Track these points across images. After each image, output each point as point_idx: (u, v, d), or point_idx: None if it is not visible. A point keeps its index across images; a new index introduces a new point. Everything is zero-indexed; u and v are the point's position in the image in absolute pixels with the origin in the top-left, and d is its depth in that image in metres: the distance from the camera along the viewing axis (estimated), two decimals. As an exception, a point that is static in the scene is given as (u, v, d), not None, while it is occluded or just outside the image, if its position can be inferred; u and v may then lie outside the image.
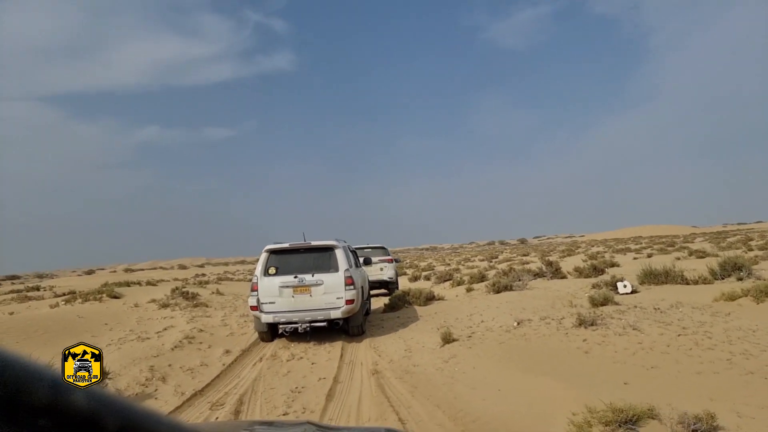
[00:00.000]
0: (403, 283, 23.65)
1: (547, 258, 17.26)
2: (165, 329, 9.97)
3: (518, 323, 7.91)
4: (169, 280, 37.65)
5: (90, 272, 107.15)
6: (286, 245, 8.95)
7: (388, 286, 15.48)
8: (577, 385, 4.76)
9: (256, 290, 8.66)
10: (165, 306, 12.95)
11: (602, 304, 8.68)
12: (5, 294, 25.32)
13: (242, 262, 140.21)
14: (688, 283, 10.87)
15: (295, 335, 9.08)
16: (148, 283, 26.84)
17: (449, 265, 39.25)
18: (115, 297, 14.63)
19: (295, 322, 8.45)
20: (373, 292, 15.23)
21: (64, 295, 18.11)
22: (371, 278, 13.24)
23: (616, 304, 8.75)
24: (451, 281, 15.61)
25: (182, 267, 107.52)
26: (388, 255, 16.07)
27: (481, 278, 14.49)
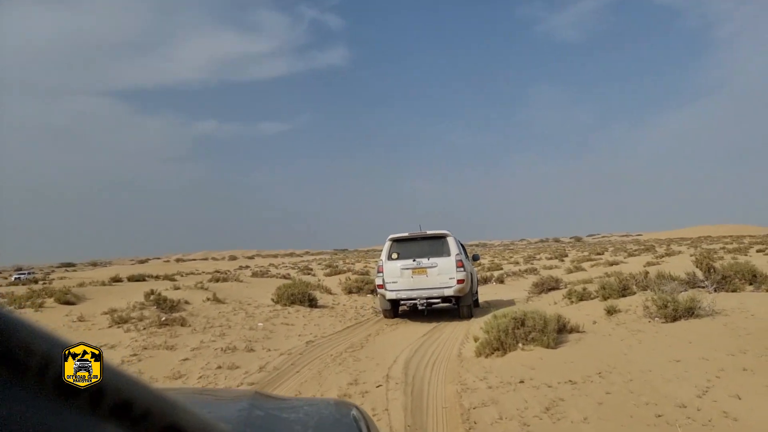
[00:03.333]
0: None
1: (704, 259, 11.51)
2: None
3: None
4: (200, 273, 33.87)
5: (144, 261, 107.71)
6: (406, 234, 10.12)
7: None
8: None
9: (382, 272, 9.86)
10: (121, 322, 8.23)
11: None
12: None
13: (291, 255, 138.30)
14: None
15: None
16: (167, 278, 22.80)
17: (518, 263, 33.34)
18: (69, 303, 10.10)
19: (414, 299, 9.66)
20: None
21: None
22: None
23: None
24: (565, 293, 10.10)
25: (233, 258, 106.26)
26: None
27: (622, 290, 8.94)
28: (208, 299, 10.61)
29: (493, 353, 6.07)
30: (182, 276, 29.12)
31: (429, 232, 10.10)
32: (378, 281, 9.95)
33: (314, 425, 1.23)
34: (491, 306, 13.12)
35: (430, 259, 9.68)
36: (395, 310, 10.26)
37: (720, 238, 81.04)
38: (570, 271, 24.13)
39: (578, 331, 6.91)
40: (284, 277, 23.75)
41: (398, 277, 9.67)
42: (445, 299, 9.74)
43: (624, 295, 8.91)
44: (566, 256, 42.74)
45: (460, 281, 9.48)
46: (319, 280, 20.19)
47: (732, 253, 27.62)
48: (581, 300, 9.42)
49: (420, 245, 9.94)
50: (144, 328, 7.85)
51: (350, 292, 13.15)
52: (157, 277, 22.44)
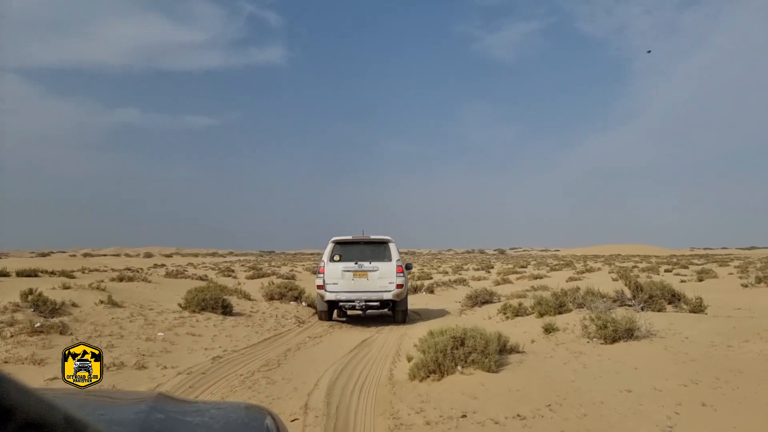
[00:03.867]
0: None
1: (629, 277, 11.57)
2: None
3: None
4: (106, 270, 31.02)
5: (45, 254, 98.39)
6: (349, 238, 10.36)
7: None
8: None
9: (323, 273, 9.93)
10: (-16, 327, 6.73)
11: None
12: None
13: (213, 254, 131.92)
14: None
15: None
16: (64, 274, 20.37)
17: (447, 273, 33.36)
18: None
19: (353, 301, 9.83)
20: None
21: None
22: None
23: None
24: (500, 307, 9.62)
25: (149, 255, 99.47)
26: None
27: (558, 307, 8.60)
28: (102, 302, 9.15)
29: (428, 376, 5.36)
30: (84, 273, 26.49)
31: (372, 236, 10.41)
32: (318, 282, 9.96)
33: (219, 429, 1.16)
34: (421, 317, 12.55)
35: (372, 263, 9.95)
36: (331, 312, 10.36)
37: (629, 256, 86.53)
38: (497, 283, 24.27)
39: (518, 351, 6.38)
40: (201, 278, 22.02)
41: (339, 279, 9.82)
42: (383, 303, 10.01)
43: (560, 312, 8.59)
44: (492, 267, 43.61)
45: (399, 286, 9.82)
46: (239, 283, 18.83)
47: (645, 272, 29.12)
48: (517, 315, 9.02)
49: (362, 249, 10.18)
50: (11, 336, 6.43)
51: (272, 298, 11.99)
52: (52, 273, 20.01)
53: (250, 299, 11.84)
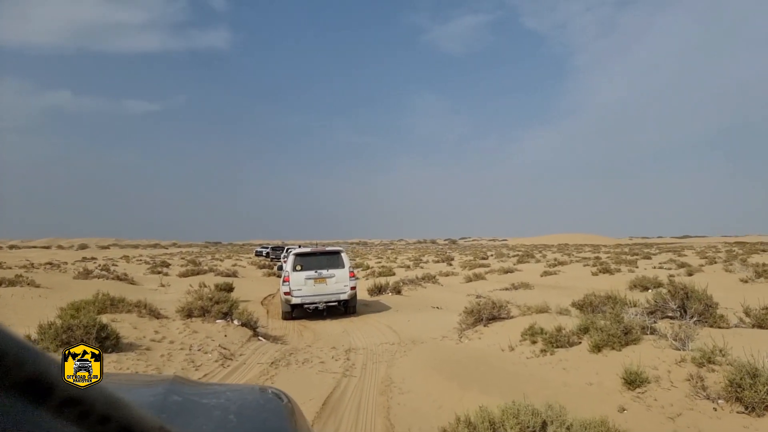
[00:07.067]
0: (362, 295, 14.48)
1: (679, 288, 8.82)
2: None
3: None
4: (11, 267, 26.09)
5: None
6: (308, 250, 12.25)
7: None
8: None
9: (288, 281, 11.41)
10: None
11: None
12: None
13: (155, 246, 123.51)
14: None
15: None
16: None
17: (408, 267, 30.33)
18: None
19: (316, 303, 11.45)
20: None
21: None
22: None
23: None
24: (526, 331, 6.51)
25: (83, 247, 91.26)
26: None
27: (624, 334, 5.63)
28: None
29: None
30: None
31: (327, 248, 12.48)
32: (284, 289, 11.44)
33: (236, 410, 1.14)
34: (399, 337, 9.44)
35: (329, 270, 11.59)
36: (292, 313, 11.67)
37: (580, 246, 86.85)
38: (469, 280, 21.55)
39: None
40: (119, 278, 18.00)
41: (302, 286, 11.39)
42: (340, 302, 11.75)
43: (626, 343, 5.63)
44: (452, 259, 41.05)
45: (352, 288, 11.74)
46: (162, 285, 15.07)
47: (620, 264, 27.18)
48: (557, 346, 5.99)
49: (319, 259, 11.85)
50: None
51: (190, 315, 8.39)
52: None
53: (158, 317, 8.23)
